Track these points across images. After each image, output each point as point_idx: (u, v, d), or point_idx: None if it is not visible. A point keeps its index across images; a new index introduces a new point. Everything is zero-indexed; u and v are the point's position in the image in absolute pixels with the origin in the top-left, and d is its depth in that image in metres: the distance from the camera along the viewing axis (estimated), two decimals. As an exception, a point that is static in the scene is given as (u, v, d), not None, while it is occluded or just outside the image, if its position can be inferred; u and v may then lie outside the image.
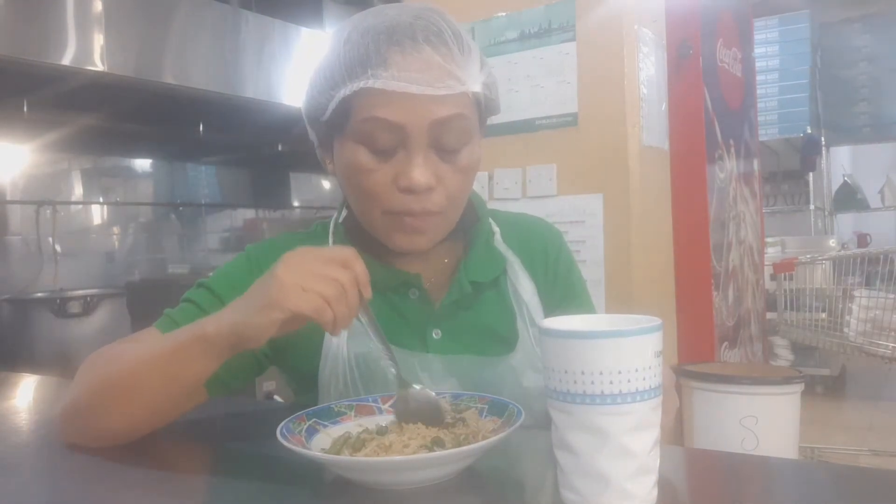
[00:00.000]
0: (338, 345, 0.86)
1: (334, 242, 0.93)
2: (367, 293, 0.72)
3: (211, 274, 0.92)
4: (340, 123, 0.81)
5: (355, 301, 0.70)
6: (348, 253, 0.71)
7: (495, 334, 0.90)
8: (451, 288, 0.89)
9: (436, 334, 0.88)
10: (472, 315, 0.90)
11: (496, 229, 0.95)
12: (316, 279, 0.68)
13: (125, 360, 0.78)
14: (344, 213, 0.96)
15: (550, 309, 0.93)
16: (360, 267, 0.70)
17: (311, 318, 0.67)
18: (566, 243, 1.00)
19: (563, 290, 0.96)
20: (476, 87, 0.81)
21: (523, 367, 0.87)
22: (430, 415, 0.72)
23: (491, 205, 1.02)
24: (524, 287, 0.91)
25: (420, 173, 0.78)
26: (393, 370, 0.75)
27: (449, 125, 0.79)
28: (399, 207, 0.81)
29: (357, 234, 0.92)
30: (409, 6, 0.82)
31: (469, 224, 0.94)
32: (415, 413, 0.73)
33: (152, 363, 0.75)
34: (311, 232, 0.98)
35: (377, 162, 0.80)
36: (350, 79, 0.78)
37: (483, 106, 0.86)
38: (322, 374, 0.87)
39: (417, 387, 0.75)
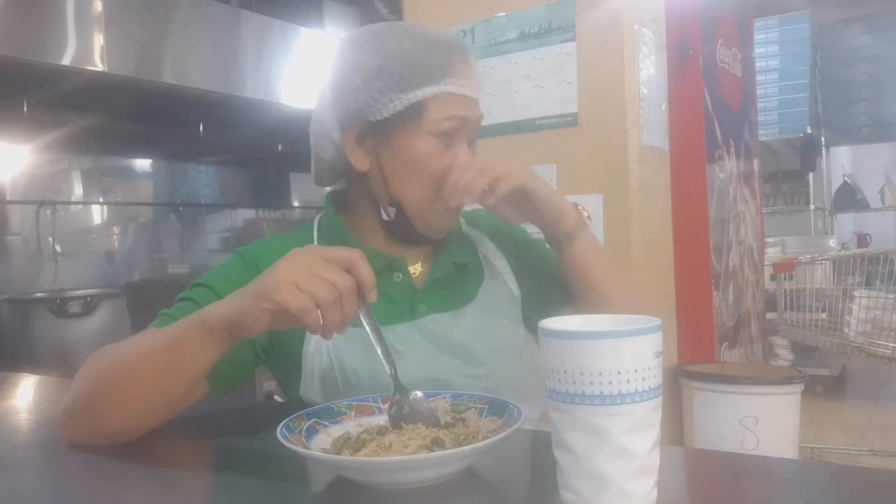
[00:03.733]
0: None
1: (318, 236, 0.99)
2: (371, 298, 0.72)
3: (205, 274, 0.94)
4: (412, 118, 0.91)
5: (352, 308, 0.70)
6: (355, 256, 0.71)
7: (466, 292, 0.99)
8: (433, 269, 0.98)
9: (420, 310, 0.95)
10: (451, 290, 0.98)
11: (460, 219, 1.06)
12: (313, 280, 0.68)
13: (126, 354, 0.78)
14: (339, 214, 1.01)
15: (532, 265, 1.04)
16: (364, 271, 0.70)
17: (296, 317, 0.68)
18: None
19: (530, 246, 1.07)
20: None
21: (486, 310, 0.97)
22: (424, 421, 0.72)
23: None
24: (492, 252, 1.04)
25: (467, 154, 0.95)
26: (390, 373, 0.75)
27: (480, 121, 0.99)
28: None
29: (343, 222, 0.99)
30: (439, 29, 0.98)
31: None
32: (408, 418, 0.72)
33: (154, 354, 0.76)
34: (299, 233, 1.03)
35: (445, 150, 0.93)
36: (427, 83, 0.90)
37: None
38: (306, 351, 0.90)
39: (418, 393, 0.74)
